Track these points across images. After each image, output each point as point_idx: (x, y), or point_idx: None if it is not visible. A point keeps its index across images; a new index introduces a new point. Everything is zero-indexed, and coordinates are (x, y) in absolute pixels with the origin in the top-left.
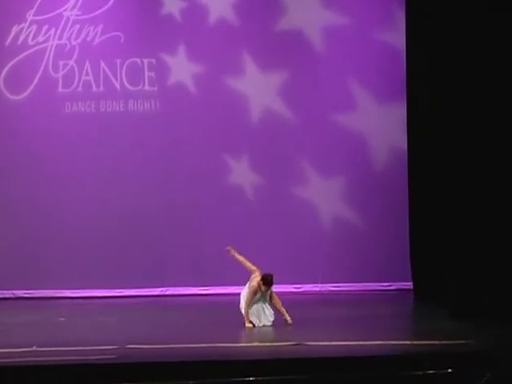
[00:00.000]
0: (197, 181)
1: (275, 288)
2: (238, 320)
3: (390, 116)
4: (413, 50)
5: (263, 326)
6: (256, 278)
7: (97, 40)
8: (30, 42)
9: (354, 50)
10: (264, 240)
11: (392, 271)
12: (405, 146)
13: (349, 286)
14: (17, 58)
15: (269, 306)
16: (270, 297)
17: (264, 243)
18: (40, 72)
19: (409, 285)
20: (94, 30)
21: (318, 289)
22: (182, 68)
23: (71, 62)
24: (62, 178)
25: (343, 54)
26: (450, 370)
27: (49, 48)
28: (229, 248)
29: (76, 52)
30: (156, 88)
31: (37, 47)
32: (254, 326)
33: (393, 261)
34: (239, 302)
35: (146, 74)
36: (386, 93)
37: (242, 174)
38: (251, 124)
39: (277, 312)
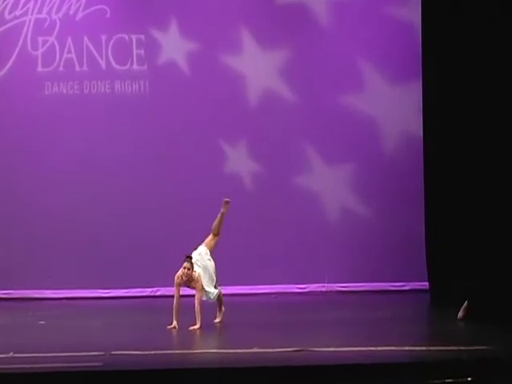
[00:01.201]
0: (190, 170)
1: (276, 288)
2: (236, 323)
3: (404, 98)
4: (429, 27)
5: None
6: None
7: (80, 14)
8: (7, 16)
9: (364, 26)
10: (264, 235)
11: (406, 270)
12: (420, 131)
13: (358, 286)
14: None
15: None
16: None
17: (264, 239)
18: (17, 49)
19: (424, 285)
20: (76, 2)
21: (323, 289)
22: (174, 45)
23: (52, 39)
24: (41, 167)
25: (352, 30)
26: (469, 379)
27: (27, 23)
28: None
29: (57, 27)
30: (145, 67)
31: (14, 22)
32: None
33: (407, 258)
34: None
35: (135, 51)
36: (400, 73)
37: (239, 161)
38: (250, 107)
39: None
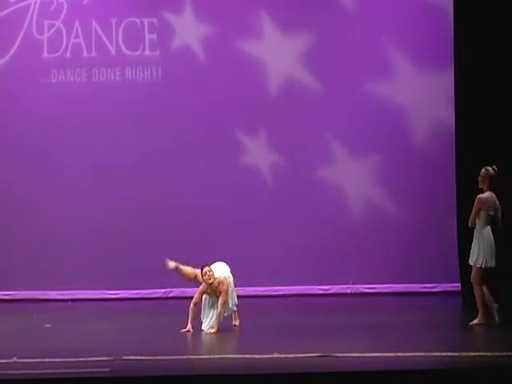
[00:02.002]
0: (206, 163)
1: (297, 290)
2: (255, 327)
3: (435, 86)
4: (462, 10)
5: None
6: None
7: None
8: None
9: (392, 8)
10: (284, 232)
11: (437, 270)
12: (452, 121)
13: (385, 288)
14: None
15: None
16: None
17: (284, 236)
18: (22, 34)
19: (456, 286)
20: None
21: (349, 290)
22: (189, 29)
23: (58, 22)
24: (46, 160)
25: (379, 13)
26: None
27: (32, 6)
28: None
29: (64, 10)
30: (158, 53)
31: (18, 4)
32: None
33: (438, 258)
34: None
35: (147, 36)
36: (430, 59)
37: (258, 153)
38: (270, 96)
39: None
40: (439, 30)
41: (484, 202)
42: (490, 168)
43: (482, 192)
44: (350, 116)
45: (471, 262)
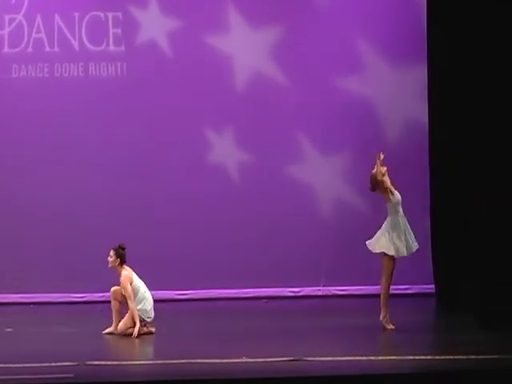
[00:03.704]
0: (172, 160)
1: (266, 292)
2: (223, 330)
3: (407, 81)
4: (436, 4)
5: None
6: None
7: None
8: None
9: (364, 1)
10: (252, 232)
11: (410, 271)
12: (425, 118)
13: (357, 289)
14: None
15: None
16: None
17: (252, 236)
18: None
19: (430, 288)
20: None
21: (320, 292)
22: (155, 24)
23: (19, 17)
24: (8, 158)
25: (350, 6)
26: None
27: None
28: None
29: (25, 4)
30: (123, 48)
31: None
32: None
33: (411, 259)
34: None
35: (111, 30)
36: (402, 54)
37: (225, 150)
38: (237, 91)
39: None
40: (412, 24)
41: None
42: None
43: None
44: (320, 112)
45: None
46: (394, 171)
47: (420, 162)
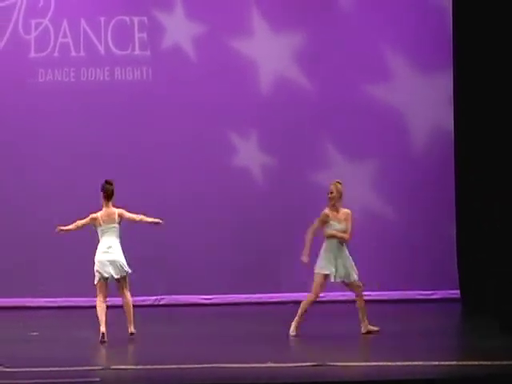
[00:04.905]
0: (196, 164)
1: (292, 297)
2: (248, 335)
3: (433, 88)
4: (462, 10)
5: None
6: None
7: None
8: None
9: (390, 8)
10: (276, 237)
11: (435, 277)
12: (450, 125)
13: (382, 295)
14: None
15: None
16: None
17: (276, 241)
18: (7, 33)
19: (455, 293)
20: None
21: (344, 298)
22: (179, 28)
23: (45, 21)
24: (34, 163)
25: (376, 13)
26: None
27: (18, 4)
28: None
29: (51, 9)
30: (148, 52)
31: (3, 3)
32: None
33: (436, 264)
34: None
35: (136, 35)
36: (429, 60)
37: (250, 155)
38: (261, 96)
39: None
40: (438, 30)
41: None
42: (337, 183)
43: (335, 207)
44: (345, 118)
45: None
46: (420, 178)
47: (446, 169)
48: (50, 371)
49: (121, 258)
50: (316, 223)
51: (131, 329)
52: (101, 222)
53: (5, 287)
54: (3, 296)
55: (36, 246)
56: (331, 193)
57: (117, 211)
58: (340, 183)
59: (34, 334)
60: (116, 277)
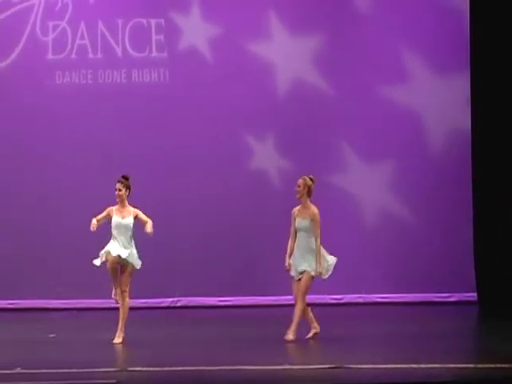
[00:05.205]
0: (213, 167)
1: (308, 299)
2: (264, 337)
3: (451, 90)
4: (479, 11)
5: None
6: None
7: None
8: None
9: (407, 10)
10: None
11: (452, 279)
12: (468, 127)
13: (399, 297)
14: None
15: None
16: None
17: None
18: (25, 35)
19: (472, 296)
20: None
21: (361, 300)
22: (196, 30)
23: (63, 23)
24: (51, 166)
25: (393, 15)
26: None
27: (36, 6)
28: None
29: (69, 11)
30: (165, 54)
31: (21, 5)
32: None
33: (453, 267)
34: None
35: (154, 37)
36: (446, 62)
37: (266, 158)
38: (278, 98)
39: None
40: (455, 32)
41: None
42: (307, 177)
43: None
44: (363, 120)
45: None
46: (437, 180)
47: (463, 170)
48: (67, 373)
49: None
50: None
51: (117, 339)
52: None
53: (23, 289)
54: (21, 297)
55: (54, 247)
56: (298, 187)
57: (132, 209)
58: (311, 179)
59: (52, 335)
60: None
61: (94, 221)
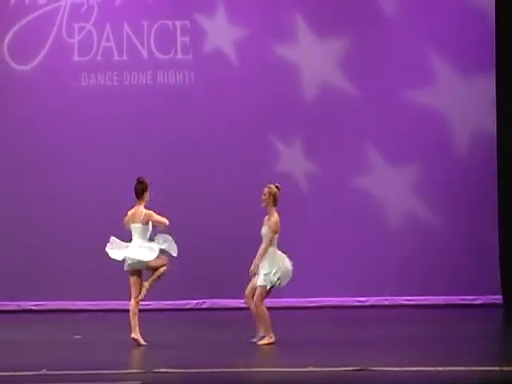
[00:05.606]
0: (238, 170)
1: (332, 301)
2: (288, 339)
3: (476, 91)
4: (504, 12)
5: None
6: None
7: None
8: (40, 1)
9: (432, 12)
10: (319, 243)
11: (477, 282)
12: (493, 128)
13: (424, 300)
14: (24, 21)
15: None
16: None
17: (319, 246)
18: (51, 37)
19: (497, 299)
20: None
21: (386, 302)
22: (222, 32)
23: (89, 25)
24: (77, 168)
25: (418, 17)
26: None
27: (62, 8)
28: None
29: (95, 13)
30: (190, 56)
31: (47, 7)
32: None
33: (478, 269)
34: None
35: (179, 39)
36: (471, 64)
37: (293, 161)
38: (305, 101)
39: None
40: (481, 33)
41: (279, 224)
42: (272, 186)
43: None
44: (389, 123)
45: (265, 282)
46: (462, 182)
47: (489, 173)
48: (92, 374)
49: (135, 254)
50: None
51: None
52: (129, 220)
53: (48, 290)
54: (47, 299)
55: (79, 248)
56: (263, 195)
57: (144, 211)
58: (277, 187)
59: (77, 337)
60: (128, 261)
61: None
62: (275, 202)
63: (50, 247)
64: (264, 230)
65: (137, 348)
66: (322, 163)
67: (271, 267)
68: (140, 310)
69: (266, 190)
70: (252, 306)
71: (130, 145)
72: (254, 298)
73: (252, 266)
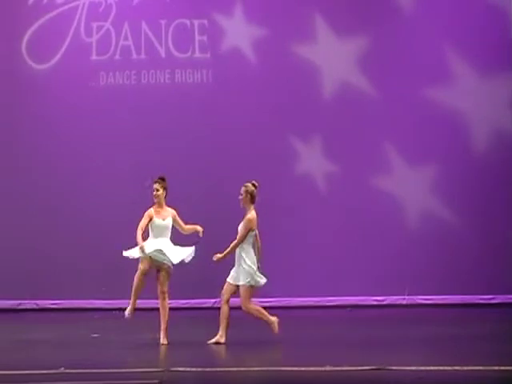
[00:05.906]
0: (257, 169)
1: (350, 300)
2: (306, 338)
3: (494, 91)
4: None
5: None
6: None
7: None
8: (58, 0)
9: (451, 11)
10: (338, 242)
11: (495, 281)
12: None
13: (441, 299)
14: (42, 20)
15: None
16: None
17: (338, 246)
18: (69, 36)
19: None
20: None
21: (404, 301)
22: (240, 31)
23: (107, 24)
24: (94, 166)
25: (437, 16)
26: None
27: (80, 7)
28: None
29: (113, 12)
30: (208, 55)
31: (66, 6)
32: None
33: (496, 269)
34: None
35: (197, 38)
36: (490, 63)
37: (312, 160)
38: (324, 101)
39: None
40: (499, 32)
41: (254, 221)
42: (249, 184)
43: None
44: (408, 123)
45: (242, 281)
46: (481, 183)
47: (506, 173)
48: (110, 373)
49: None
50: None
51: (164, 340)
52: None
53: (66, 289)
54: (65, 298)
55: (98, 247)
56: (240, 195)
57: (170, 211)
58: (253, 184)
59: (95, 335)
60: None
61: (142, 244)
62: (253, 199)
63: (68, 246)
64: (240, 227)
65: (154, 346)
66: (341, 163)
67: (252, 266)
68: (155, 309)
69: (243, 188)
70: (226, 309)
71: (148, 143)
72: (241, 300)
73: (218, 255)
